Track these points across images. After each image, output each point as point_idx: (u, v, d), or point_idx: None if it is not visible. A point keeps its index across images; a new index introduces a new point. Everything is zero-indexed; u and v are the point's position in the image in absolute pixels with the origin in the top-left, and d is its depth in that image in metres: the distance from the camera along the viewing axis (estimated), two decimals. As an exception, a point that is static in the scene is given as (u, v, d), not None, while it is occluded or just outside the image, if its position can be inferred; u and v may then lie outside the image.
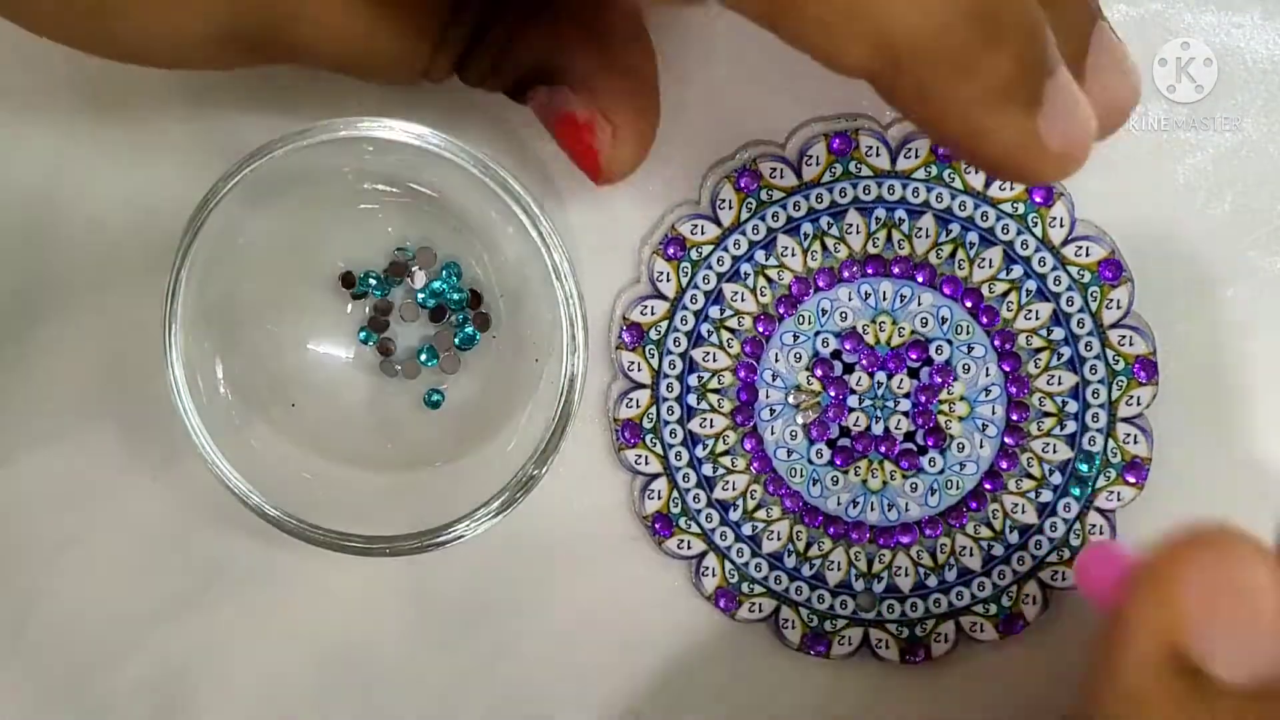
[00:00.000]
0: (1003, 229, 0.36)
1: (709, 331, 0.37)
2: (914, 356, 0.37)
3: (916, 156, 0.36)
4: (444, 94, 0.34)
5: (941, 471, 0.37)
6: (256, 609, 0.38)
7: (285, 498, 0.34)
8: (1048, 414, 0.37)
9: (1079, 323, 0.36)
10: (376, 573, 0.37)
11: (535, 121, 0.34)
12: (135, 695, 0.38)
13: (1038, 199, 0.36)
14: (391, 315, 0.37)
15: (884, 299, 0.37)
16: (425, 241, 0.37)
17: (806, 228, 0.37)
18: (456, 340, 0.37)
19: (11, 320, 0.38)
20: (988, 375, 0.37)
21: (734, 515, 0.37)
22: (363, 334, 0.37)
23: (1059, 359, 0.36)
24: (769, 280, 0.37)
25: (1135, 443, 0.36)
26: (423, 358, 0.37)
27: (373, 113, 0.33)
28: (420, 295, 0.37)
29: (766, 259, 0.37)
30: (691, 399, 0.37)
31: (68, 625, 0.38)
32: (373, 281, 0.37)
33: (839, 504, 0.37)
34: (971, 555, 0.37)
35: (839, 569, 0.37)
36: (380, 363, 0.37)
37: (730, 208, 0.36)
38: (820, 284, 0.37)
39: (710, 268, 0.37)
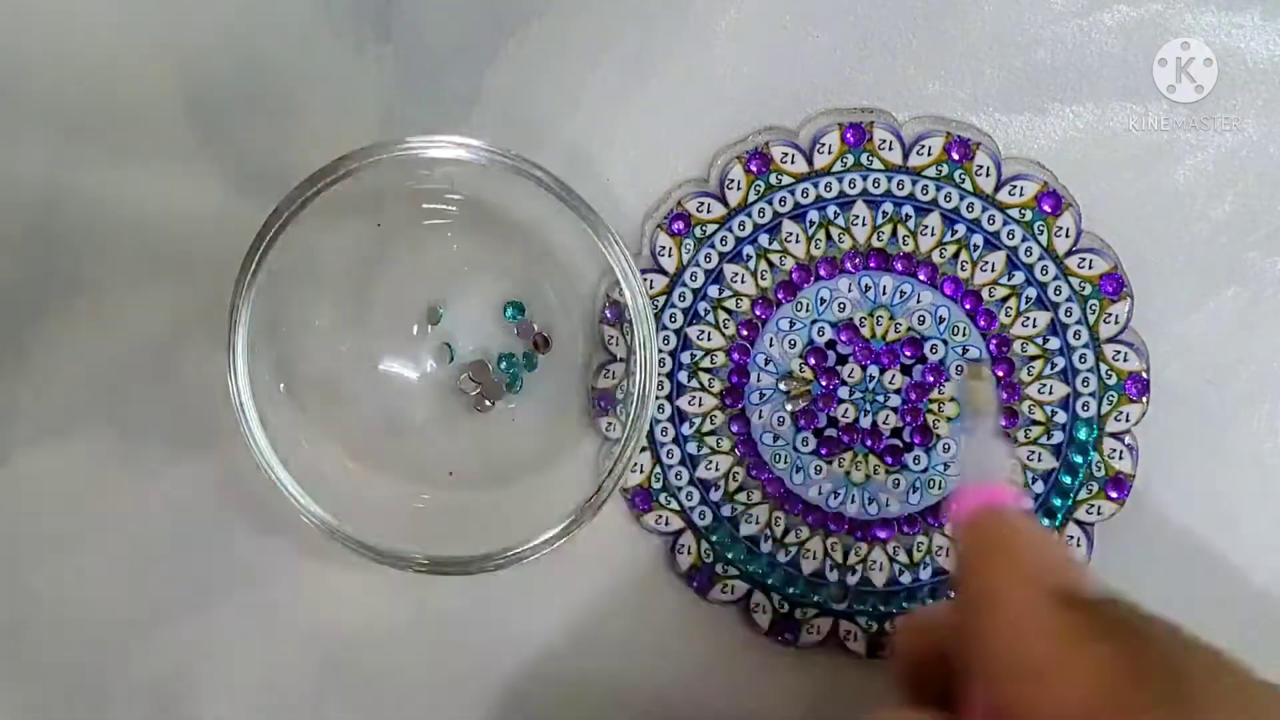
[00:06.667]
0: (1008, 234, 0.36)
1: (706, 310, 0.37)
2: (908, 353, 0.37)
3: (929, 154, 0.36)
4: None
5: (925, 470, 0.37)
6: (257, 609, 0.38)
7: (348, 514, 0.34)
8: (1036, 422, 0.37)
9: (1075, 334, 0.36)
10: (376, 573, 0.37)
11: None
12: (135, 695, 0.38)
13: (1046, 207, 0.36)
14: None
15: (884, 293, 0.37)
16: (476, 257, 0.37)
17: (813, 215, 0.36)
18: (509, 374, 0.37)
19: (13, 320, 0.37)
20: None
21: (714, 495, 0.37)
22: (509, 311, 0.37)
23: (1052, 369, 0.36)
24: (771, 264, 0.37)
25: (1120, 458, 0.36)
26: (502, 365, 0.37)
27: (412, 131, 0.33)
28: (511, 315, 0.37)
29: (770, 243, 0.37)
30: (682, 376, 0.37)
31: (68, 625, 0.38)
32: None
33: (820, 493, 0.37)
34: (948, 556, 0.37)
35: (814, 558, 0.37)
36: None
37: (739, 188, 0.36)
38: (821, 273, 0.37)
39: (713, 246, 0.37)
